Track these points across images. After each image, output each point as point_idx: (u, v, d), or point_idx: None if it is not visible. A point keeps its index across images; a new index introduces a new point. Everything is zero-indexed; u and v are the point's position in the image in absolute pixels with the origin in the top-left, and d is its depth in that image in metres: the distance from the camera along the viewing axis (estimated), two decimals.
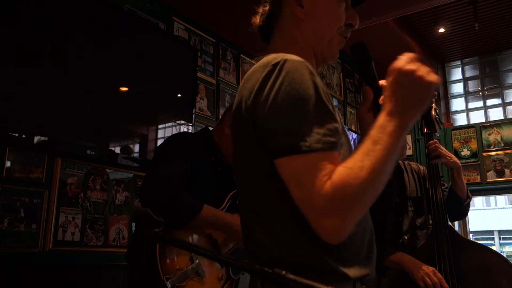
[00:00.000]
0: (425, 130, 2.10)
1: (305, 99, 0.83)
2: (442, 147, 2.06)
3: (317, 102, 0.84)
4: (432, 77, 0.83)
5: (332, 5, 1.03)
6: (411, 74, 0.83)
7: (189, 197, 1.68)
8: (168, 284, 1.57)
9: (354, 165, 0.79)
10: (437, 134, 2.11)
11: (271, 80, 0.86)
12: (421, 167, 2.32)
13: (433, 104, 2.11)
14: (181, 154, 1.78)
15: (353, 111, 5.26)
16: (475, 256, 1.81)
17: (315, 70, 1.02)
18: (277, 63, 0.88)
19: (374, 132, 0.82)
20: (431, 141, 2.05)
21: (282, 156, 0.82)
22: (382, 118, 0.83)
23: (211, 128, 2.07)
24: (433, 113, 2.09)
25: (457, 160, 2.07)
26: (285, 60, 0.88)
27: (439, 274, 1.79)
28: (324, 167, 0.79)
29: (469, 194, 2.16)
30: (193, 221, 1.66)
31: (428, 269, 1.80)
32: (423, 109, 0.84)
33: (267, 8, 1.07)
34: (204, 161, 1.88)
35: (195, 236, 1.75)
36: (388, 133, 0.80)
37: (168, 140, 1.93)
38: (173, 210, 1.63)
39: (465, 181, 2.14)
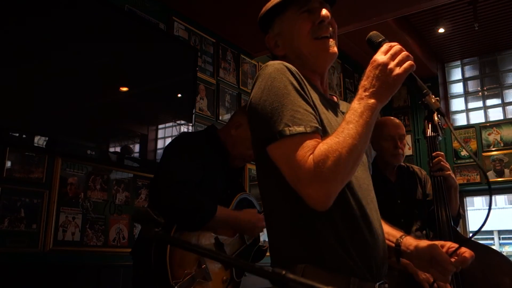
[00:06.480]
0: (428, 133, 2.10)
1: (283, 93, 0.99)
2: (445, 161, 2.05)
3: (293, 94, 0.99)
4: (400, 69, 0.96)
5: (296, 24, 1.15)
6: (382, 66, 0.96)
7: (204, 200, 1.71)
8: None
9: (332, 140, 0.93)
10: (440, 138, 2.11)
11: (256, 83, 1.05)
12: (423, 172, 2.36)
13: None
14: (192, 155, 1.79)
15: None
16: (478, 256, 1.81)
17: (314, 77, 1.17)
18: (261, 68, 1.07)
19: (348, 115, 0.96)
20: (437, 153, 2.04)
21: (271, 143, 0.97)
22: (354, 103, 0.97)
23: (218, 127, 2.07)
24: (436, 118, 2.09)
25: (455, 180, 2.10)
26: (266, 65, 1.06)
27: None
28: (307, 145, 0.94)
29: (460, 211, 2.19)
30: (208, 223, 1.69)
31: None
32: (391, 95, 0.97)
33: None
34: (212, 160, 1.87)
35: (201, 239, 1.75)
36: (358, 114, 0.94)
37: (177, 140, 1.92)
38: (191, 213, 1.65)
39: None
